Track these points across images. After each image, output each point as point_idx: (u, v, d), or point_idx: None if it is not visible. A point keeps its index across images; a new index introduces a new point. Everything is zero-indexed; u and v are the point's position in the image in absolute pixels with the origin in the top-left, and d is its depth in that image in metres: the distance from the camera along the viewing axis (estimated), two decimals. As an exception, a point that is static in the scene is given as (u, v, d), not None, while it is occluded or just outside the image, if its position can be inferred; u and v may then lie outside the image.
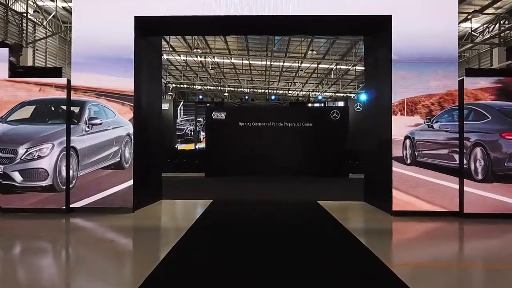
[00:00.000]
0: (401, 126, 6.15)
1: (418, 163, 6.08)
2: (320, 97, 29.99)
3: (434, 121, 6.11)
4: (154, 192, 7.31)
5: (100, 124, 6.28)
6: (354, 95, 31.26)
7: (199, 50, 20.91)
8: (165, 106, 24.84)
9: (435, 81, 6.10)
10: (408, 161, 6.11)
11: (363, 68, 27.02)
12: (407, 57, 6.07)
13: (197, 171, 13.52)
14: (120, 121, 6.30)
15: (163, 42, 23.25)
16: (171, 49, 23.70)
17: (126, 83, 6.25)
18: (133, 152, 6.27)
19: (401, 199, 6.00)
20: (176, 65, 28.52)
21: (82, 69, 6.31)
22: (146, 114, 6.87)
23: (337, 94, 32.87)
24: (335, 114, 12.57)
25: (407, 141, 6.14)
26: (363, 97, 24.56)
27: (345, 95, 31.80)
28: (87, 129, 6.24)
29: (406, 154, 6.12)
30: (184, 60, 26.94)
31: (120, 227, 5.28)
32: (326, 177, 11.96)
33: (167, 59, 27.03)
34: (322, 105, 22.87)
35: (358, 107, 20.48)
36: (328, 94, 32.57)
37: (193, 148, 23.72)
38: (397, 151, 6.10)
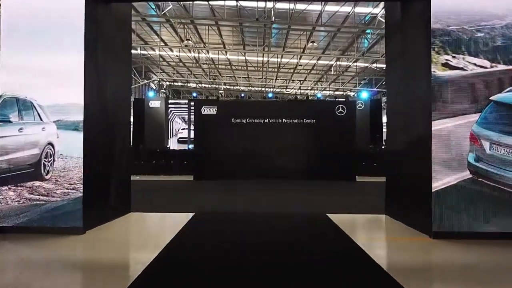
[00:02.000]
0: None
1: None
2: (319, 95, 28.38)
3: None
4: (119, 204, 5.62)
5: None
6: (354, 93, 29.68)
7: (190, 42, 19.17)
8: (156, 103, 23.19)
9: (491, 55, 4.45)
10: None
11: (365, 64, 25.44)
12: (453, 24, 4.42)
13: (186, 174, 11.84)
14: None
15: (154, 36, 21.58)
16: (162, 43, 22.01)
17: (70, 59, 4.56)
18: (84, 153, 4.58)
19: (444, 216, 4.35)
20: (169, 61, 26.80)
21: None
22: (105, 103, 5.18)
23: (336, 93, 31.30)
24: (340, 109, 10.91)
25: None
26: (364, 94, 22.98)
27: (345, 93, 30.24)
28: None
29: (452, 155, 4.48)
30: (177, 55, 25.24)
31: (49, 261, 3.60)
32: (331, 181, 10.31)
33: (159, 54, 25.34)
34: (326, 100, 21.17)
35: (360, 105, 18.86)
36: (327, 92, 30.98)
37: (186, 148, 22.07)
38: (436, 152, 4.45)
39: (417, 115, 4.75)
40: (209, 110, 10.86)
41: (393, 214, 5.55)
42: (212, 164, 10.73)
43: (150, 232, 5.13)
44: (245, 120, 10.87)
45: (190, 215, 5.77)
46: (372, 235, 5.01)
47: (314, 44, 18.99)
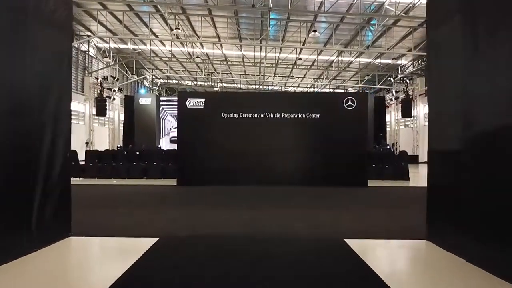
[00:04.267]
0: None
1: None
2: (319, 93, 26.61)
3: None
4: (46, 228, 3.79)
5: None
6: (356, 91, 27.90)
7: (179, 31, 17.33)
8: (147, 100, 21.40)
9: None
10: None
11: (368, 60, 23.59)
12: None
13: (170, 177, 10.01)
14: None
15: (144, 29, 19.75)
16: (152, 36, 20.20)
17: None
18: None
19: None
20: (162, 57, 24.97)
21: None
22: (11, 80, 3.35)
23: (337, 90, 29.54)
24: (350, 102, 9.08)
25: None
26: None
27: (346, 90, 28.46)
28: None
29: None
30: (169, 50, 23.43)
31: None
32: (339, 187, 8.50)
33: (151, 49, 23.53)
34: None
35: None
36: (328, 90, 29.21)
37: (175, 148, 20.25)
38: None
39: (498, 95, 2.94)
40: (195, 103, 9.01)
41: (444, 242, 3.73)
42: (198, 167, 8.87)
43: (79, 272, 3.29)
44: (237, 114, 9.03)
45: (153, 240, 3.97)
46: (424, 284, 3.17)
47: (316, 33, 17.13)
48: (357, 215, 5.56)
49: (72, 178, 10.86)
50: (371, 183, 9.37)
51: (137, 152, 11.93)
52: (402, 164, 10.89)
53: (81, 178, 10.75)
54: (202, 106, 9.03)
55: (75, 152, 11.10)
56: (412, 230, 4.49)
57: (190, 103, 9.03)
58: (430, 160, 4.06)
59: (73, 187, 4.36)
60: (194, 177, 8.79)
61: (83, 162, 11.30)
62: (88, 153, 11.23)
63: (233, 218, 5.28)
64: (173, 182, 9.24)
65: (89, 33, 20.41)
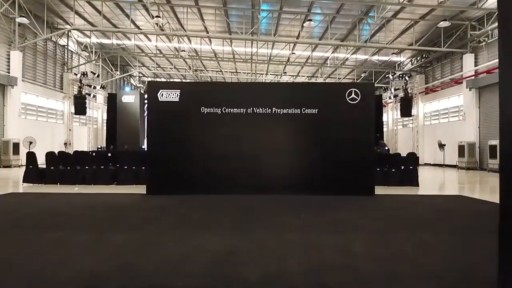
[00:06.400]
0: None
1: None
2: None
3: None
4: None
5: None
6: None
7: (160, 19, 15.65)
8: (130, 98, 19.74)
9: None
10: None
11: (365, 57, 22.05)
12: None
13: (143, 183, 8.32)
14: None
15: (127, 22, 18.05)
16: (136, 29, 18.50)
17: None
18: None
19: None
20: (147, 53, 23.24)
21: None
22: None
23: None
24: (353, 95, 7.51)
25: None
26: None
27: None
28: None
29: None
30: (155, 46, 21.73)
31: None
32: (341, 196, 6.93)
33: (136, 45, 21.82)
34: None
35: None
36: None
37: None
38: None
39: None
40: (168, 95, 7.37)
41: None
42: (172, 172, 7.20)
43: None
44: (220, 109, 7.40)
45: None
46: None
47: (311, 23, 15.58)
48: (377, 244, 3.94)
49: (30, 185, 9.15)
50: (377, 190, 7.83)
51: (109, 154, 10.29)
52: (411, 167, 9.37)
53: (42, 184, 9.08)
54: (177, 99, 7.40)
55: (33, 154, 9.42)
56: (469, 275, 2.91)
57: (162, 95, 7.39)
58: (506, 169, 2.50)
59: (11, 197, 2.72)
60: (167, 184, 7.15)
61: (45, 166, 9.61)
62: (49, 155, 9.52)
63: (201, 250, 3.64)
64: (143, 189, 7.58)
65: (68, 26, 18.65)
